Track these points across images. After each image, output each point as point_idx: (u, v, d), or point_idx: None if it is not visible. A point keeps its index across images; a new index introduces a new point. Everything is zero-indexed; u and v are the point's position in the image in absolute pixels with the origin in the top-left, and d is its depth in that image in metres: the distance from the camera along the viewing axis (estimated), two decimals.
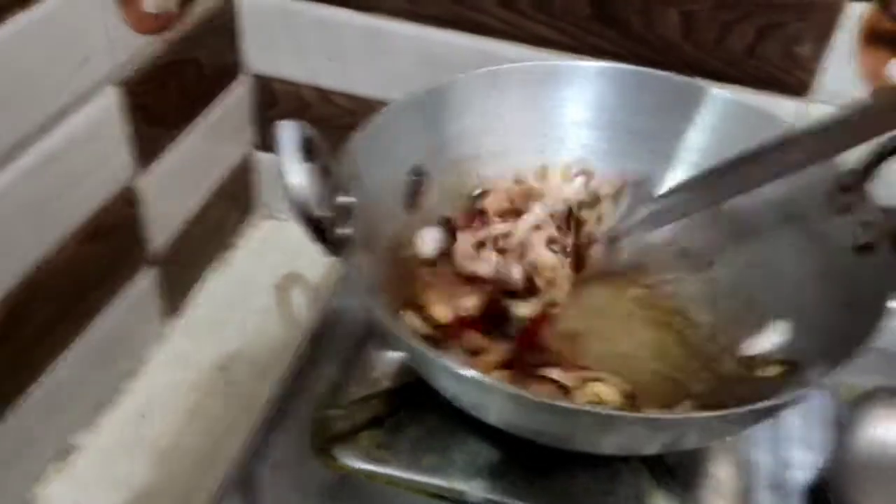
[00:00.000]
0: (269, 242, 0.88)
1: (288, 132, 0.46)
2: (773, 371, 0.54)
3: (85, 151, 0.60)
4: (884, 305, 0.47)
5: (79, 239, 0.61)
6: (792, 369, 0.53)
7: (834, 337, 0.50)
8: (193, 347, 0.76)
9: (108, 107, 0.61)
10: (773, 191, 0.59)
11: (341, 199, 0.51)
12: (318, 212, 0.48)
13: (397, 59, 0.74)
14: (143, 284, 0.72)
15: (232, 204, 0.85)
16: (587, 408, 0.40)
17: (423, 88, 0.60)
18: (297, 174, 0.45)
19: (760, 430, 0.59)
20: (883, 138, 0.54)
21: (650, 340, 0.60)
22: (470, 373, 0.41)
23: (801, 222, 0.58)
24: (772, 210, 0.60)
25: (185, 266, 0.78)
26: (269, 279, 0.82)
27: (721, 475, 0.55)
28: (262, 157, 0.86)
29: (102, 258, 0.65)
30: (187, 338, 0.77)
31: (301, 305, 0.80)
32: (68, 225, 0.60)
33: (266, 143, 0.85)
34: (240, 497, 0.52)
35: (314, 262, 0.82)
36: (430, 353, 0.43)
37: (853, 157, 0.56)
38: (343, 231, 0.50)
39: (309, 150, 0.49)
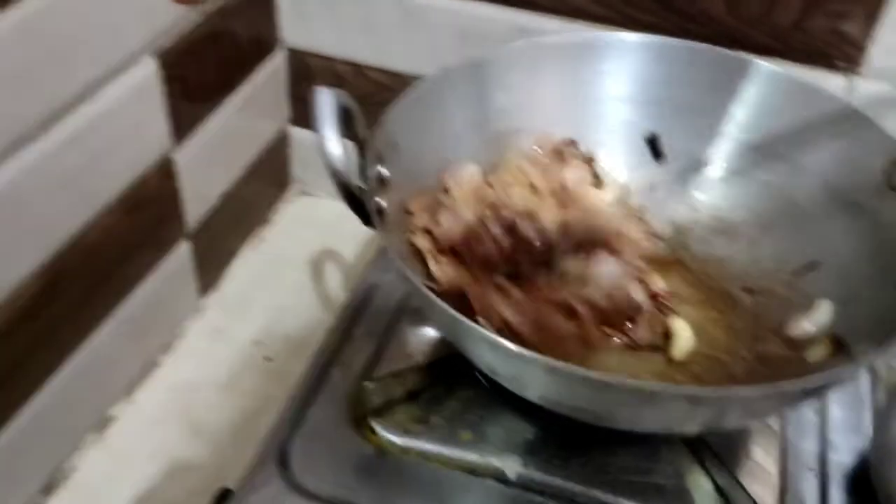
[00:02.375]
0: (304, 219, 0.88)
1: (325, 99, 0.45)
2: (818, 352, 0.53)
3: (123, 122, 0.60)
4: None
5: (117, 210, 0.62)
6: (838, 350, 0.52)
7: (881, 317, 0.49)
8: (229, 322, 0.77)
9: (145, 77, 0.61)
10: (823, 167, 0.58)
11: (378, 169, 0.51)
12: (355, 181, 0.47)
13: (432, 33, 0.74)
14: (180, 258, 0.72)
15: (267, 179, 0.85)
16: (627, 382, 0.39)
17: (462, 61, 0.59)
18: (333, 142, 0.45)
19: (804, 414, 0.57)
20: None
21: (692, 320, 0.59)
22: (509, 344, 0.41)
23: (852, 200, 0.56)
24: (822, 187, 0.58)
25: (220, 240, 0.79)
26: (303, 255, 0.82)
27: (763, 458, 0.54)
28: (297, 132, 0.86)
29: (140, 230, 0.65)
30: (223, 312, 0.77)
31: (335, 281, 0.80)
32: (106, 196, 0.61)
33: (301, 118, 0.85)
34: (275, 469, 0.52)
35: (348, 238, 0.82)
36: (469, 324, 0.42)
37: None
38: (379, 202, 0.49)
39: (346, 120, 0.49)
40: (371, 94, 0.79)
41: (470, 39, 0.72)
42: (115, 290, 0.65)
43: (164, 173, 0.66)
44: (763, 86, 0.60)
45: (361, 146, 0.51)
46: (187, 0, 0.63)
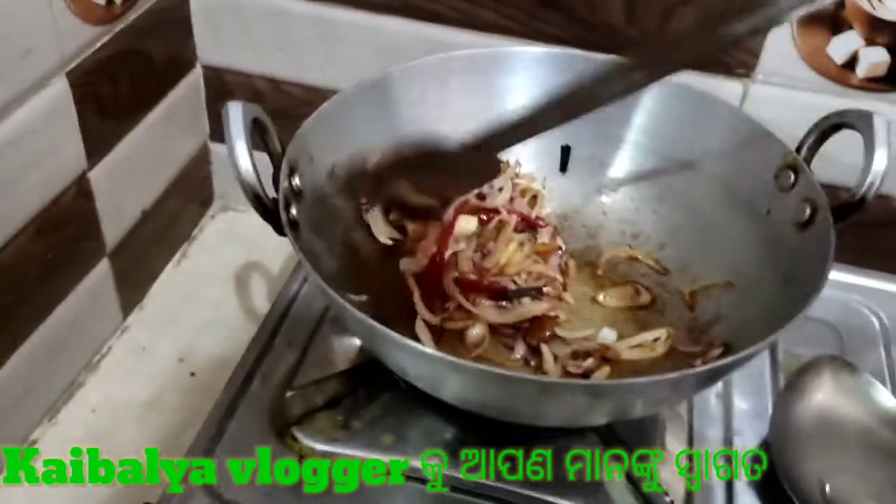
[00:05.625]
0: (227, 234, 0.88)
1: (235, 113, 0.46)
2: (717, 340, 0.55)
3: (34, 143, 0.59)
4: (822, 278, 0.48)
5: (31, 231, 0.61)
6: (733, 341, 0.55)
7: (774, 309, 0.52)
8: (153, 339, 0.76)
9: (57, 98, 0.61)
10: (720, 171, 0.61)
11: (291, 181, 0.52)
12: (267, 193, 0.48)
13: (349, 47, 0.75)
14: (100, 277, 0.72)
15: (188, 196, 0.85)
16: (526, 375, 0.41)
17: (373, 76, 0.60)
18: (244, 155, 0.46)
19: (709, 402, 0.60)
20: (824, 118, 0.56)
21: (602, 319, 0.61)
22: (414, 343, 0.42)
23: (746, 200, 0.60)
24: (720, 190, 0.61)
25: (142, 258, 0.78)
26: (226, 270, 0.82)
27: (673, 446, 0.57)
28: (218, 148, 0.86)
29: (58, 250, 0.65)
30: (146, 330, 0.77)
31: (260, 295, 0.81)
32: (21, 217, 0.60)
33: (221, 134, 0.85)
34: (197, 483, 0.52)
35: (272, 253, 0.82)
36: (378, 326, 0.43)
37: (797, 135, 0.57)
38: (293, 213, 0.50)
39: (259, 133, 0.50)
40: (290, 108, 0.80)
41: (386, 54, 0.74)
42: (35, 311, 0.65)
43: (80, 192, 0.66)
44: (661, 94, 0.63)
45: (275, 158, 0.52)
46: (99, 19, 0.63)
